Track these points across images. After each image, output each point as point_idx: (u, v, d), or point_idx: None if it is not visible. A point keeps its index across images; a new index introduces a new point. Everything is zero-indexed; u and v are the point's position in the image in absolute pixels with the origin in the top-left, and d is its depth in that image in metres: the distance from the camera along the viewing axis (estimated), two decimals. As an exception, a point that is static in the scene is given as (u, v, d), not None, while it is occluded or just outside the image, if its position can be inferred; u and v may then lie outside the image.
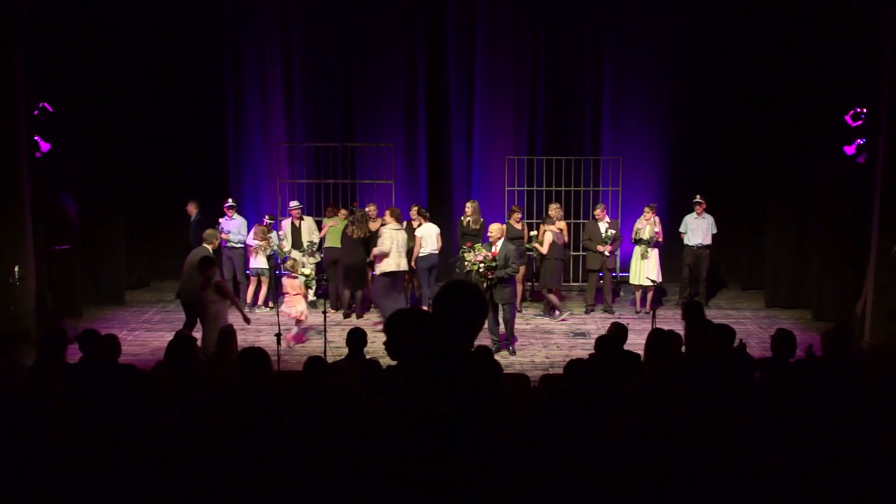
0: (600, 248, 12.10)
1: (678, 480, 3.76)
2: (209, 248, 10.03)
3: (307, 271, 10.91)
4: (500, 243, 10.03)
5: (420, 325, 3.34)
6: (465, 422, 3.11)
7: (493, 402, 3.21)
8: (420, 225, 11.73)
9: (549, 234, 11.67)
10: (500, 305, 10.08)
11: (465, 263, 10.11)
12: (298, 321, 10.69)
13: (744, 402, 5.36)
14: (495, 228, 10.21)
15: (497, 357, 9.93)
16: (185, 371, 6.26)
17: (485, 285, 9.84)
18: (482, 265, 9.90)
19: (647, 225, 12.04)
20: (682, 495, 3.71)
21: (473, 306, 3.27)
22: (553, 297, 11.99)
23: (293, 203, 12.47)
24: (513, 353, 10.24)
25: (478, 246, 10.21)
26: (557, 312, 11.97)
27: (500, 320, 10.23)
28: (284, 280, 10.89)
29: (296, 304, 10.62)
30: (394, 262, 11.00)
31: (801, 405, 5.27)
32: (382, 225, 11.31)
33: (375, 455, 3.44)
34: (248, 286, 12.38)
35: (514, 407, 5.24)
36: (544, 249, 11.64)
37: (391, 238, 10.99)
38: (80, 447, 4.35)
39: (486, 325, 9.73)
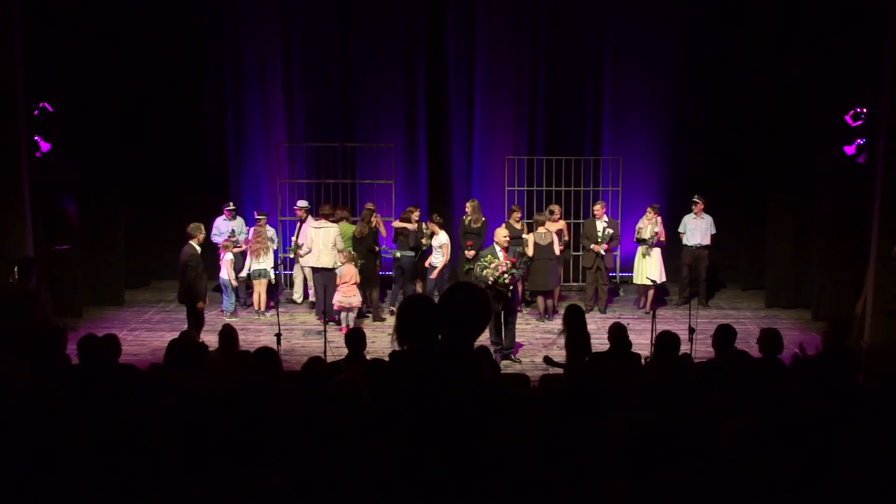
0: (594, 247, 12.08)
1: (678, 481, 3.76)
2: (194, 243, 10.06)
3: (361, 261, 11.19)
4: (501, 253, 9.73)
5: (429, 314, 3.39)
6: (465, 419, 3.11)
7: (494, 400, 3.23)
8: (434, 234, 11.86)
9: (532, 236, 11.59)
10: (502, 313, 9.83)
11: (486, 273, 9.52)
12: (349, 310, 11.03)
13: (743, 402, 5.36)
14: (503, 234, 9.89)
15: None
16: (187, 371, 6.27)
17: (508, 293, 9.58)
18: (507, 275, 9.48)
19: (649, 224, 12.05)
20: (682, 495, 3.71)
21: (479, 308, 3.30)
22: (539, 302, 11.95)
23: (301, 202, 12.38)
24: (517, 360, 10.07)
25: (489, 257, 9.64)
26: (547, 316, 11.89)
27: (503, 328, 9.97)
28: (341, 270, 11.12)
29: (353, 295, 10.98)
30: (311, 258, 11.37)
31: (799, 404, 5.27)
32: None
33: (374, 453, 3.45)
34: (251, 291, 12.29)
35: (514, 407, 5.23)
36: (529, 251, 11.38)
37: (307, 235, 11.47)
38: (81, 447, 4.35)
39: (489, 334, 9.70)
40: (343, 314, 11.19)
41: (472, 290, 3.42)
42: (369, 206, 12.10)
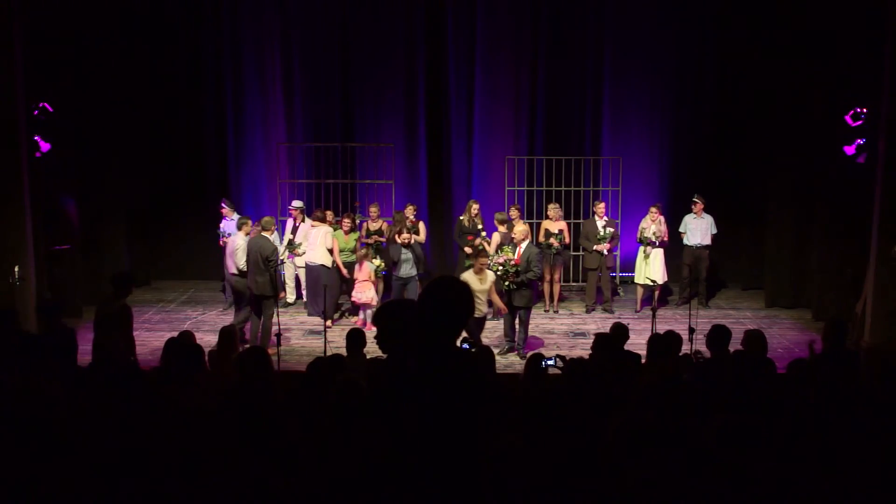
0: (597, 247, 12.09)
1: (677, 480, 3.76)
2: (267, 235, 10.33)
3: (378, 262, 11.40)
4: (524, 245, 10.01)
5: (409, 317, 3.38)
6: (450, 416, 3.12)
7: (478, 396, 3.22)
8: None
9: (497, 236, 11.54)
10: (516, 309, 9.98)
11: (493, 263, 9.95)
12: (367, 306, 11.19)
13: (739, 400, 5.36)
14: (521, 230, 10.21)
15: (504, 358, 9.94)
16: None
17: (505, 288, 9.86)
18: (501, 268, 9.75)
19: (653, 224, 12.04)
20: (680, 495, 3.71)
21: (457, 302, 3.29)
22: (497, 300, 11.83)
23: (296, 202, 12.37)
24: (524, 357, 10.12)
25: (506, 248, 10.13)
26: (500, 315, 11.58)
27: (517, 324, 10.14)
28: (356, 267, 11.34)
29: (366, 290, 11.16)
30: (306, 255, 11.54)
31: (799, 404, 5.27)
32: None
33: (369, 451, 3.45)
34: None
35: (513, 406, 5.24)
36: (491, 250, 11.31)
37: (303, 233, 11.74)
38: (81, 446, 4.35)
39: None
40: (361, 310, 11.43)
41: (451, 283, 3.40)
42: (373, 208, 12.16)
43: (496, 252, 10.56)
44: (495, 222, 11.84)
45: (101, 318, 8.04)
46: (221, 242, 12.37)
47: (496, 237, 11.54)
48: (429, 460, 3.10)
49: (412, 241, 10.82)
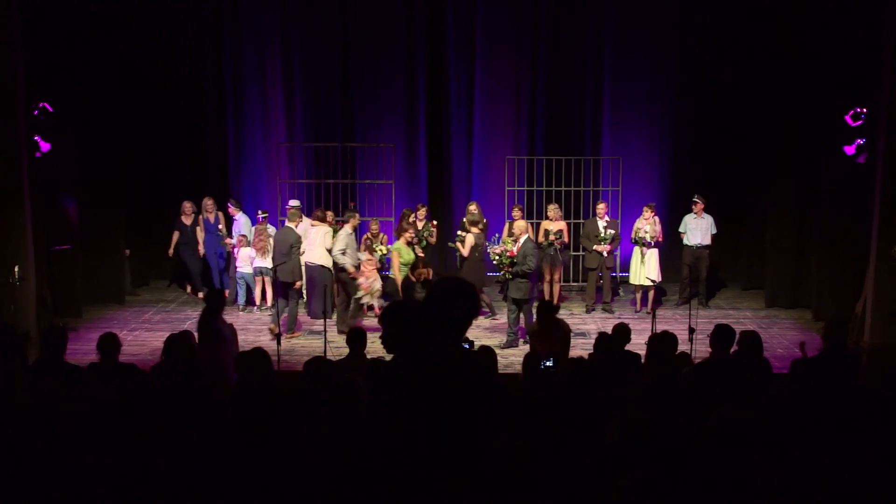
0: (597, 248, 12.11)
1: (675, 481, 3.76)
2: (293, 225, 10.89)
3: (384, 249, 11.48)
4: (522, 240, 10.44)
5: (414, 318, 3.39)
6: (452, 416, 3.12)
7: (480, 396, 3.23)
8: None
9: (471, 237, 11.55)
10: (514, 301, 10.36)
11: (494, 252, 10.65)
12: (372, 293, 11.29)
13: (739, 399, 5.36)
14: (519, 226, 10.68)
15: (504, 358, 9.96)
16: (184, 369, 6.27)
17: (501, 278, 10.58)
18: (498, 258, 10.44)
19: (647, 224, 12.04)
20: (678, 496, 3.71)
21: (461, 303, 3.30)
22: (484, 297, 11.87)
23: (293, 202, 12.36)
24: (527, 342, 10.25)
25: (505, 239, 10.75)
26: (488, 311, 11.93)
27: (521, 317, 10.54)
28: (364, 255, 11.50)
29: (375, 278, 11.21)
30: (305, 254, 11.39)
31: (798, 404, 5.27)
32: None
33: (368, 451, 3.46)
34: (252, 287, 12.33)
35: (513, 406, 5.24)
36: (465, 251, 11.37)
37: (304, 232, 11.67)
38: (81, 445, 4.35)
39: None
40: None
41: (455, 283, 3.40)
42: (364, 219, 12.17)
43: (495, 242, 10.91)
44: (467, 223, 11.77)
45: (199, 334, 8.08)
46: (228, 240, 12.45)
47: (470, 238, 11.41)
48: (430, 459, 3.11)
49: (430, 276, 10.96)
